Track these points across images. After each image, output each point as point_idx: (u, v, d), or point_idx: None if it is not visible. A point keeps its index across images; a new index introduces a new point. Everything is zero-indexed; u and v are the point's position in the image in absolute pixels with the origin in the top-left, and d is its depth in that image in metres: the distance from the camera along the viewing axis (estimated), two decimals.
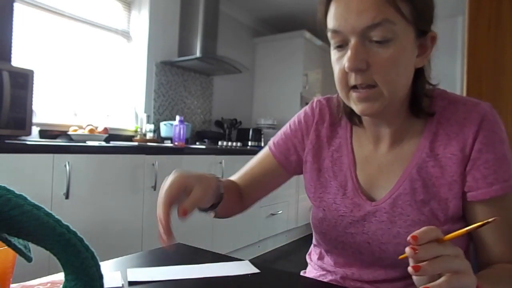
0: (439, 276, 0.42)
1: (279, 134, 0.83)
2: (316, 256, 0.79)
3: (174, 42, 3.11)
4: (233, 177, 0.84)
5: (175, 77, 3.14)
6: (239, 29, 3.94)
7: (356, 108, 0.61)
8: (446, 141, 0.62)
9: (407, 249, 0.43)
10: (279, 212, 3.21)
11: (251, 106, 4.19)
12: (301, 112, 0.81)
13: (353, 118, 0.72)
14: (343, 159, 0.72)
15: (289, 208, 3.39)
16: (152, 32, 2.90)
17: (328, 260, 0.75)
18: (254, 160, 0.84)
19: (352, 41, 0.57)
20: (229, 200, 0.73)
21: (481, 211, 0.61)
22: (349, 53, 0.57)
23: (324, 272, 0.75)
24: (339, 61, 0.60)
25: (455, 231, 0.61)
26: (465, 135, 0.61)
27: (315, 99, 0.81)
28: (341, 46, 0.60)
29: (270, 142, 0.84)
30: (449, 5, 3.08)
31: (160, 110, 3.01)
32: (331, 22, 0.59)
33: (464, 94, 1.56)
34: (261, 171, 0.82)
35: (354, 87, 0.59)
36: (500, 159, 0.59)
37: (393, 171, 0.66)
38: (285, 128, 0.83)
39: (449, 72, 3.30)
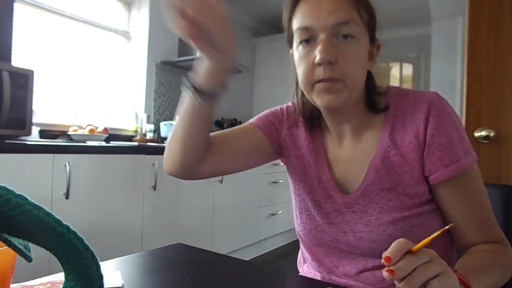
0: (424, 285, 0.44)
1: (259, 115, 0.83)
2: (303, 261, 0.83)
3: (174, 42, 3.11)
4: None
5: (175, 77, 3.14)
6: (239, 29, 3.94)
7: (321, 100, 0.65)
8: (403, 131, 0.67)
9: (385, 274, 0.43)
10: (279, 212, 3.21)
11: (251, 106, 4.19)
12: (283, 105, 0.85)
13: (311, 121, 0.77)
14: (319, 154, 0.76)
15: (289, 208, 3.38)
16: (152, 32, 2.90)
17: (311, 261, 0.78)
18: (237, 129, 0.80)
19: (322, 36, 0.62)
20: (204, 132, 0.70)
21: (444, 192, 0.65)
22: (320, 46, 0.62)
23: (313, 273, 0.78)
24: (307, 56, 0.64)
25: (424, 213, 0.66)
26: (417, 122, 0.66)
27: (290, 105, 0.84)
28: (308, 41, 0.64)
29: (251, 120, 0.82)
30: (449, 5, 3.08)
31: (160, 110, 3.01)
32: (300, 20, 0.65)
33: (464, 94, 1.56)
34: (244, 137, 0.78)
35: (319, 81, 0.64)
36: (451, 141, 0.64)
37: (359, 166, 0.71)
38: (265, 111, 0.84)
39: (449, 72, 3.30)
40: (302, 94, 0.73)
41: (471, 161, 0.64)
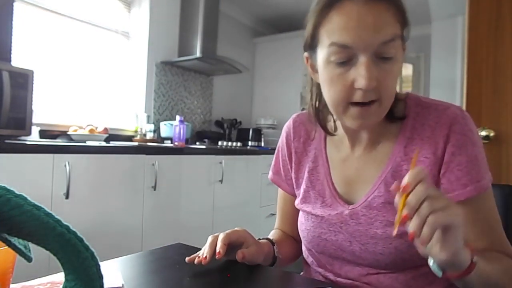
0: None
1: (273, 165, 0.87)
2: (308, 259, 0.82)
3: (174, 42, 3.11)
4: (276, 225, 0.90)
5: (175, 77, 3.14)
6: (239, 29, 3.94)
7: (354, 123, 0.62)
8: (420, 145, 0.65)
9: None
10: None
11: (251, 106, 4.19)
12: (281, 135, 0.85)
13: (328, 129, 0.74)
14: (319, 168, 0.75)
15: None
16: (152, 32, 2.90)
17: (314, 267, 0.78)
18: (279, 201, 0.89)
19: (364, 58, 0.56)
20: (286, 253, 0.81)
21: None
22: (363, 71, 0.56)
23: (316, 274, 0.77)
24: (342, 77, 0.58)
25: None
26: (437, 138, 0.63)
27: (291, 117, 0.85)
28: (344, 63, 0.58)
29: (271, 176, 0.88)
30: (449, 5, 3.08)
31: (160, 110, 3.01)
32: (337, 35, 0.57)
33: (464, 94, 1.56)
34: (290, 208, 0.84)
35: (355, 103, 0.60)
36: (472, 161, 0.61)
37: (370, 174, 0.69)
38: (275, 157, 0.87)
39: (449, 72, 3.30)
40: (317, 102, 0.71)
41: (489, 181, 0.62)
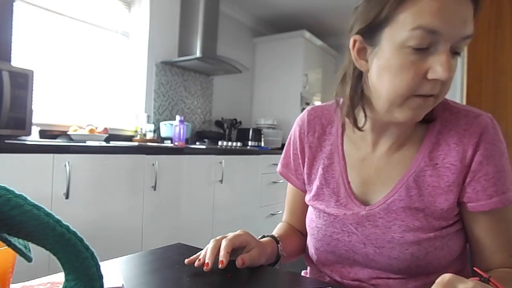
0: None
1: (282, 157, 0.84)
2: (313, 257, 0.81)
3: (174, 42, 3.11)
4: (284, 218, 0.89)
5: (175, 77, 3.14)
6: (239, 29, 3.94)
7: (407, 114, 0.58)
8: (446, 151, 0.63)
9: None
10: (279, 212, 3.21)
11: (251, 106, 4.19)
12: (293, 127, 0.82)
13: (357, 123, 0.68)
14: (334, 166, 0.73)
15: None
16: (152, 32, 2.90)
17: (319, 260, 0.76)
18: (288, 195, 0.87)
19: (444, 47, 0.53)
20: (291, 248, 0.80)
21: (480, 221, 0.63)
22: (444, 60, 0.53)
23: (322, 273, 0.76)
24: (416, 65, 0.55)
25: (448, 235, 0.63)
26: (465, 146, 0.62)
27: (306, 109, 0.82)
28: (422, 50, 0.54)
29: (279, 169, 0.85)
30: None
31: (160, 110, 3.01)
32: (427, 19, 0.52)
33: (464, 94, 1.56)
34: (298, 202, 0.84)
35: (419, 94, 0.57)
36: (499, 171, 0.61)
37: (390, 176, 0.67)
38: (285, 150, 0.84)
39: None
40: (356, 93, 0.65)
41: None
